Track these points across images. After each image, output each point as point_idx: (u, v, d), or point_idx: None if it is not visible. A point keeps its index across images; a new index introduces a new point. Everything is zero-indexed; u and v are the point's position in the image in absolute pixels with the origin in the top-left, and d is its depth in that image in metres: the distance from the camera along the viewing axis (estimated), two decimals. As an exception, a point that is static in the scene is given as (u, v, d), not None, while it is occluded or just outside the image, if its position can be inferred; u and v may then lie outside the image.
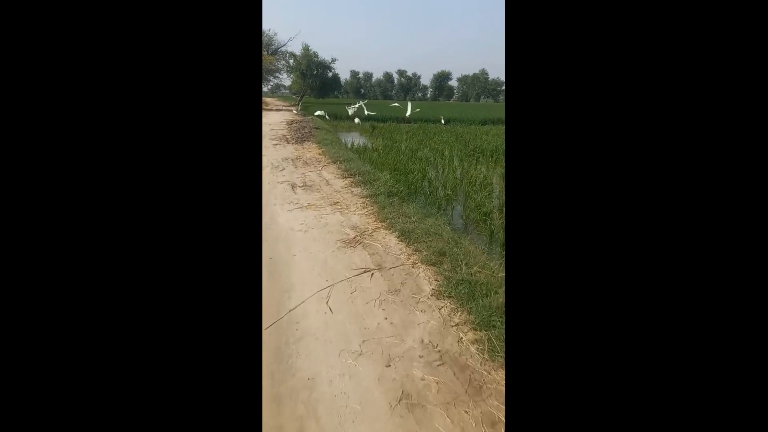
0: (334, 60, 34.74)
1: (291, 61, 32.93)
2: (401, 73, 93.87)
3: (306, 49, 33.28)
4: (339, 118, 19.77)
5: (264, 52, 24.77)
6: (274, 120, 17.03)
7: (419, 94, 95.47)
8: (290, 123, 15.28)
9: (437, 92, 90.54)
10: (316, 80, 33.50)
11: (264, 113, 20.73)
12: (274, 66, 28.85)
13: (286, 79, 33.88)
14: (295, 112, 22.31)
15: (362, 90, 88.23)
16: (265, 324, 2.14)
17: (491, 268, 2.78)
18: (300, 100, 24.19)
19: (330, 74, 35.18)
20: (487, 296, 2.37)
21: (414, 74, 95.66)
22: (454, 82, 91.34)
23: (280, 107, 27.09)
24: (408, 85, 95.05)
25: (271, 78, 31.04)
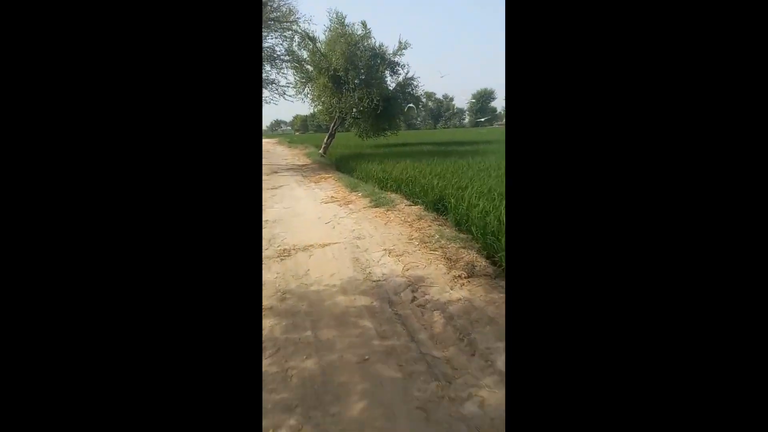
0: (404, 46, 14.25)
1: (303, 49, 12.48)
2: (428, 95, 74.71)
3: (340, 18, 12.99)
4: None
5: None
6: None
7: (455, 121, 76.45)
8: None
9: (478, 115, 71.15)
10: (371, 95, 12.65)
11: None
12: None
13: (288, 95, 12.73)
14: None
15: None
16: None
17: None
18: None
19: (394, 84, 14.61)
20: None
21: (445, 96, 77.27)
22: (501, 101, 71.99)
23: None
24: (438, 111, 76.19)
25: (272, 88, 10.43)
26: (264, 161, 13.17)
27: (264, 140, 33.28)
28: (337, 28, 13.00)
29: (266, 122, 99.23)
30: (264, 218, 4.47)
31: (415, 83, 15.04)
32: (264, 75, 10.42)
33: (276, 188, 6.89)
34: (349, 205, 5.03)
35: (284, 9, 9.52)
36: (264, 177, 8.70)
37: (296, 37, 12.17)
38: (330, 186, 6.86)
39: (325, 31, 13.30)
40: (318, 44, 13.09)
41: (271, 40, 9.89)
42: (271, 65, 10.33)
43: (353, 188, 6.17)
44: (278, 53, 10.14)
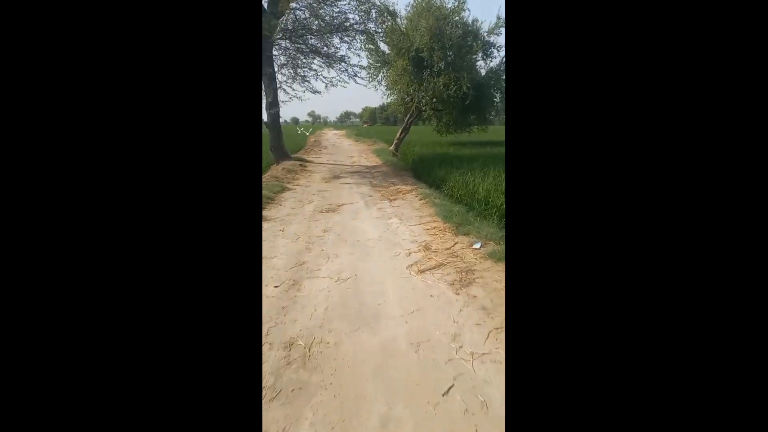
0: (501, 24, 11.27)
1: (380, 22, 10.08)
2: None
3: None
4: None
5: None
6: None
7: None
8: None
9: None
10: (460, 81, 9.92)
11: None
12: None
13: (360, 77, 10.57)
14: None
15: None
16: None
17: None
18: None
19: (486, 69, 11.81)
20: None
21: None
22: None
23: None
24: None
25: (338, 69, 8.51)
26: (327, 158, 11.22)
27: (332, 131, 32.52)
28: (422, 2, 10.48)
29: (336, 113, 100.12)
30: (290, 334, 1.94)
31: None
32: (332, 50, 8.26)
33: (333, 211, 4.64)
34: (472, 288, 2.41)
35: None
36: (323, 184, 6.58)
37: (373, 11, 9.90)
38: (415, 212, 4.46)
39: (407, 6, 10.85)
40: (398, 19, 10.73)
41: (343, 5, 7.67)
42: (341, 38, 8.11)
43: (459, 225, 3.69)
44: (351, 22, 7.86)
